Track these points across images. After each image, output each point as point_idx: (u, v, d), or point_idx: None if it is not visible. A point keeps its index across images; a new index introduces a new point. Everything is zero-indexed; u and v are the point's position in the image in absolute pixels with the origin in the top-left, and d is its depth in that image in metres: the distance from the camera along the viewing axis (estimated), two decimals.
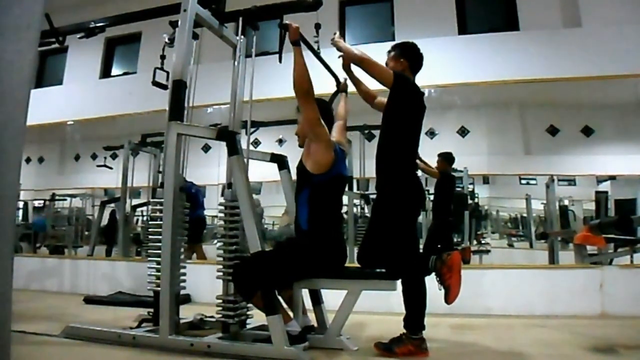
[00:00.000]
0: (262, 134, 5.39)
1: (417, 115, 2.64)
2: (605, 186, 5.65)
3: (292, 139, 2.85)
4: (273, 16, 2.72)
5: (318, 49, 3.02)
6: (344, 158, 2.74)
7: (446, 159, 5.08)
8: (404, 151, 2.59)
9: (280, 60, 2.73)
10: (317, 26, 2.90)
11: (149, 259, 2.81)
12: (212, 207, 5.66)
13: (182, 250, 2.83)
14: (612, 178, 5.63)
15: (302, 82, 2.49)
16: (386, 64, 2.72)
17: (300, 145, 2.70)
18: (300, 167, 2.63)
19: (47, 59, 7.26)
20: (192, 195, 5.45)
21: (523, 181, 6.25)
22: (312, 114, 2.51)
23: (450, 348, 2.67)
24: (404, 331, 2.44)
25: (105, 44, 6.85)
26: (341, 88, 3.15)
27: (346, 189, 2.83)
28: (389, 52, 2.75)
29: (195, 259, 5.33)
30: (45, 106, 6.01)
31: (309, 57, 2.67)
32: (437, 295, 2.43)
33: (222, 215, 2.74)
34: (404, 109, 2.57)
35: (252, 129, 3.00)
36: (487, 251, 5.79)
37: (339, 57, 2.82)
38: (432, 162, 5.10)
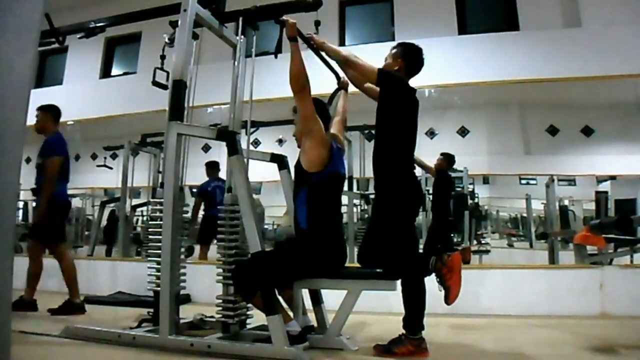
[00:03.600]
0: (262, 134, 5.39)
1: (410, 112, 2.61)
2: (605, 186, 5.65)
3: (292, 139, 2.85)
4: (273, 16, 2.70)
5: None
6: (340, 155, 2.73)
7: (448, 159, 5.08)
8: (401, 151, 2.58)
9: (276, 56, 2.74)
10: (317, 23, 2.89)
11: (149, 259, 2.81)
12: None
13: (183, 250, 2.83)
14: (612, 178, 5.64)
15: (299, 76, 2.51)
16: (385, 59, 2.73)
17: (300, 146, 2.70)
18: (298, 166, 2.63)
19: (47, 59, 7.26)
20: (206, 193, 5.49)
21: (523, 181, 6.26)
22: (307, 108, 2.54)
23: (450, 348, 2.67)
24: (404, 331, 2.44)
25: (105, 44, 6.85)
26: (341, 85, 3.11)
27: (346, 188, 2.82)
28: (392, 48, 2.75)
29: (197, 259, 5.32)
30: None
31: (309, 56, 2.66)
32: (437, 296, 2.43)
33: (222, 217, 2.73)
34: (394, 106, 2.56)
35: (252, 129, 3.00)
36: (487, 251, 5.79)
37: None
38: (431, 162, 5.10)
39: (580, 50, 4.72)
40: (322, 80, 3.03)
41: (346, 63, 2.70)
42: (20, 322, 2.91)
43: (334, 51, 2.77)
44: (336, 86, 3.19)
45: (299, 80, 2.51)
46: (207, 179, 5.64)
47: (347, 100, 3.07)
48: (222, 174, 5.49)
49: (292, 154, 3.16)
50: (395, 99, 2.57)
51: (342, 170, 2.71)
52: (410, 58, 2.68)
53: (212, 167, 5.62)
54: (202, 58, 3.16)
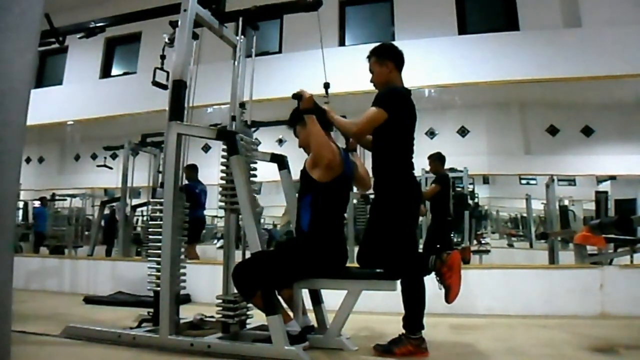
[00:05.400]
0: (262, 134, 5.38)
1: (406, 116, 2.60)
2: (605, 186, 5.66)
3: (292, 139, 2.85)
4: (273, 16, 2.69)
5: (327, 102, 2.83)
6: (347, 158, 2.73)
7: (438, 159, 5.05)
8: (400, 151, 2.58)
9: (295, 135, 2.75)
10: (326, 86, 2.80)
11: (149, 259, 2.81)
12: (212, 207, 5.68)
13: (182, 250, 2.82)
14: (612, 178, 5.64)
15: (323, 152, 2.51)
16: (370, 70, 2.69)
17: (308, 153, 2.68)
18: (305, 173, 2.62)
19: (47, 59, 7.26)
20: (194, 194, 5.45)
21: (523, 181, 6.26)
22: (332, 163, 2.55)
23: (450, 348, 2.67)
24: (403, 331, 2.44)
25: (105, 44, 6.85)
26: (350, 147, 2.91)
27: None
28: (369, 58, 2.69)
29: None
30: (45, 106, 6.01)
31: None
32: (436, 295, 2.43)
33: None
34: (391, 118, 2.52)
35: (252, 129, 3.00)
36: (487, 251, 5.79)
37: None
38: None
39: (580, 50, 4.72)
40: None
41: (352, 132, 2.59)
42: (20, 322, 2.91)
43: (340, 124, 2.64)
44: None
45: (325, 155, 2.51)
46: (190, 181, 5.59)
47: (361, 162, 2.95)
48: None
49: (292, 154, 3.16)
50: (392, 114, 2.51)
51: (349, 173, 2.72)
52: (394, 55, 2.66)
53: (196, 171, 5.56)
54: (202, 58, 3.16)
